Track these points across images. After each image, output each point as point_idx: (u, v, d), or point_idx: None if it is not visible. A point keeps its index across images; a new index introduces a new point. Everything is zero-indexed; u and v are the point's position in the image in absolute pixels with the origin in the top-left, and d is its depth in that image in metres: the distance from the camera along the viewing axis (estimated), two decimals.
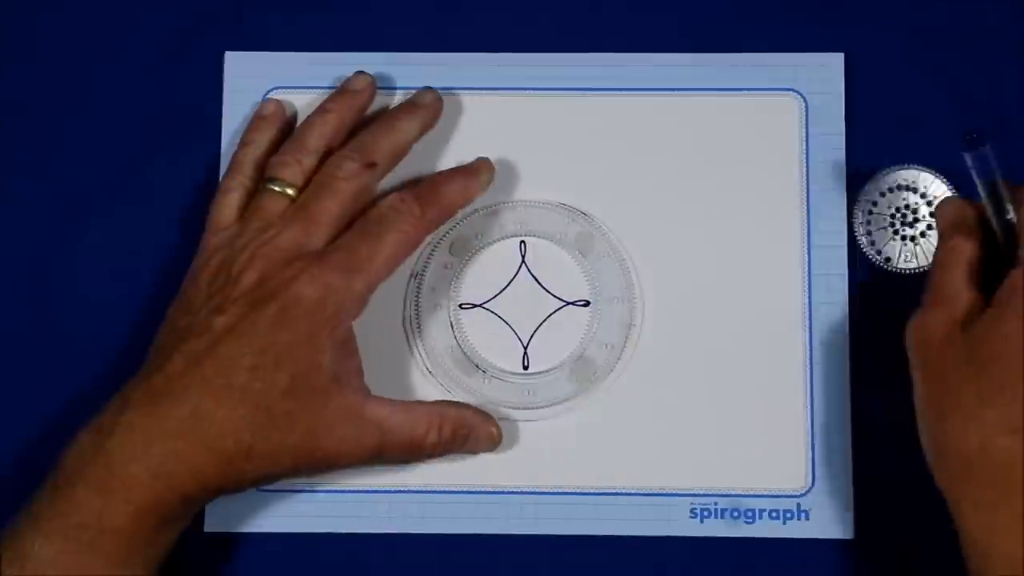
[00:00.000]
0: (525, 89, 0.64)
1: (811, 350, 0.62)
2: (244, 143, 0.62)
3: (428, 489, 0.61)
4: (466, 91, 0.64)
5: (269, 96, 0.64)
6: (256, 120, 0.62)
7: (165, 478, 0.54)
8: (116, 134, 0.64)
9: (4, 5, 0.65)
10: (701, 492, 0.61)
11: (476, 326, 0.62)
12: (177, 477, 0.54)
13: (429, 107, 0.62)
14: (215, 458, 0.54)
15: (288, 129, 0.63)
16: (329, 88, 0.64)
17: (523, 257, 0.63)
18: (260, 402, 0.54)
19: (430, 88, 0.63)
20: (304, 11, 0.65)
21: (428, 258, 0.62)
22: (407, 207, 0.59)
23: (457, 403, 0.61)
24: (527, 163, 0.63)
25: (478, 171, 0.62)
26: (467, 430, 0.59)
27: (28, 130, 0.64)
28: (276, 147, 0.61)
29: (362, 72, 0.63)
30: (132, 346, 0.62)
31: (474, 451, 0.60)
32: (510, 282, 0.63)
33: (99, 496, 0.53)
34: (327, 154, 0.60)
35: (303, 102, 0.64)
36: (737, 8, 0.64)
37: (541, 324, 0.62)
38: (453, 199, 0.60)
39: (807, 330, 0.62)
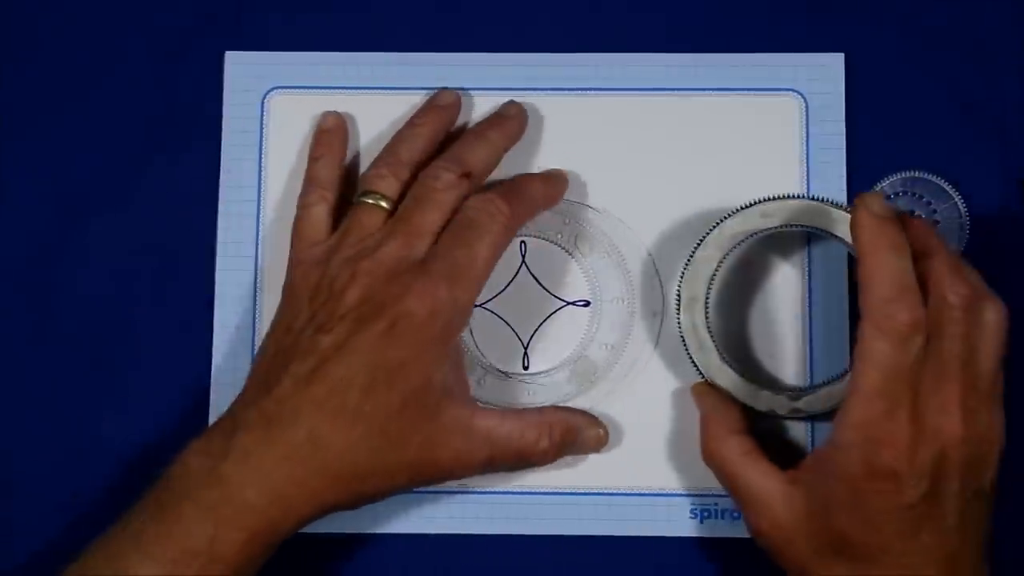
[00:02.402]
0: (525, 89, 0.64)
1: (811, 350, 0.62)
2: (314, 158, 0.62)
3: (428, 490, 0.61)
4: (467, 91, 0.64)
5: (267, 97, 0.64)
6: (320, 134, 0.62)
7: (281, 504, 0.53)
8: (116, 134, 0.64)
9: (4, 5, 0.65)
10: (701, 492, 0.61)
11: (476, 326, 0.62)
12: (294, 502, 0.53)
13: (516, 118, 0.62)
14: (332, 481, 0.54)
15: (347, 141, 0.63)
16: (329, 88, 0.64)
17: (523, 257, 0.63)
18: (374, 422, 0.54)
19: (514, 101, 0.63)
20: (304, 11, 0.65)
21: None
22: (495, 207, 0.58)
23: (563, 408, 0.61)
24: (527, 163, 0.63)
25: (558, 176, 0.62)
26: (575, 434, 0.59)
27: (28, 130, 0.64)
28: (344, 159, 0.62)
29: (448, 89, 0.63)
30: (132, 346, 0.62)
31: (581, 453, 0.60)
32: (510, 282, 0.63)
33: (211, 522, 0.52)
34: (419, 168, 0.59)
35: (306, 103, 0.64)
36: (737, 8, 0.64)
37: (541, 324, 0.62)
38: (538, 197, 0.60)
39: (807, 329, 0.62)
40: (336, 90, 0.64)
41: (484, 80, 0.64)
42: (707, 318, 0.59)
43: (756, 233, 0.59)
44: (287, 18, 0.65)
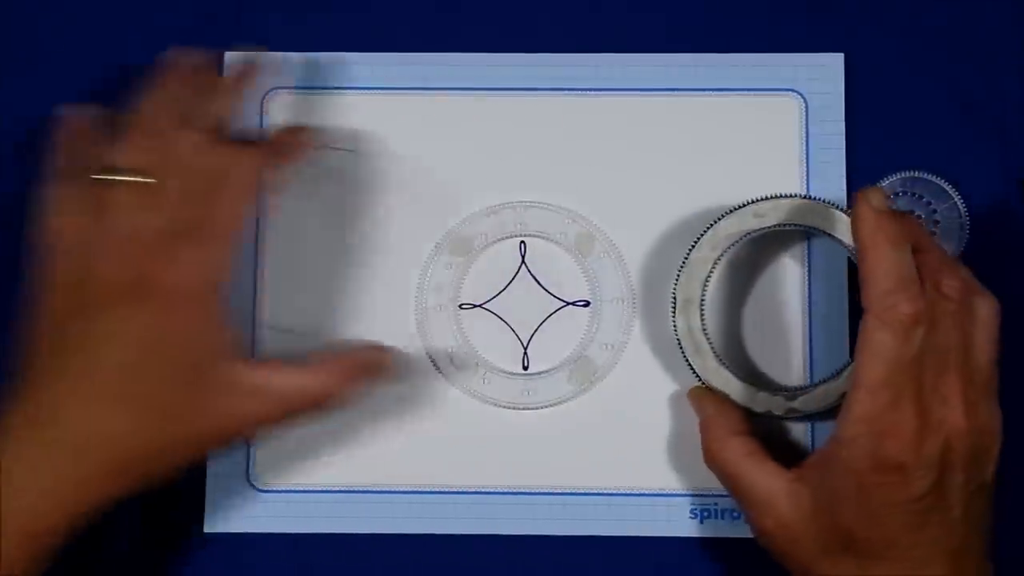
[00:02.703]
0: (525, 89, 0.64)
1: (811, 350, 0.62)
2: (58, 142, 0.58)
3: (428, 489, 0.61)
4: (466, 91, 0.64)
5: (267, 97, 0.64)
6: (66, 120, 0.58)
7: (59, 504, 0.51)
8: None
9: (4, 5, 0.65)
10: (701, 492, 0.61)
11: (476, 326, 0.62)
12: (72, 499, 0.52)
13: (247, 69, 0.60)
14: (110, 471, 0.52)
15: (105, 123, 0.59)
16: (330, 88, 0.64)
17: (523, 257, 0.63)
18: (142, 403, 0.52)
19: (238, 54, 0.61)
20: (304, 11, 0.65)
21: (428, 258, 0.62)
22: (233, 160, 0.56)
23: (344, 349, 0.58)
24: (527, 163, 0.63)
25: (298, 126, 0.61)
26: (363, 370, 0.57)
27: (28, 130, 0.64)
28: (93, 140, 0.58)
29: (183, 47, 0.59)
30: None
31: (380, 381, 0.58)
32: (510, 282, 0.63)
33: None
34: (160, 133, 0.57)
35: (306, 103, 0.64)
36: (737, 8, 0.64)
37: (541, 324, 0.62)
38: (280, 142, 0.59)
39: (807, 330, 0.62)
40: (336, 90, 0.64)
41: (484, 80, 0.64)
42: (703, 320, 0.59)
43: (750, 233, 0.59)
44: (287, 18, 0.65)
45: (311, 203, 0.63)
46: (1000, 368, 0.54)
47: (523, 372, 0.62)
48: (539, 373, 0.62)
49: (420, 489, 0.61)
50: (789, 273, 0.62)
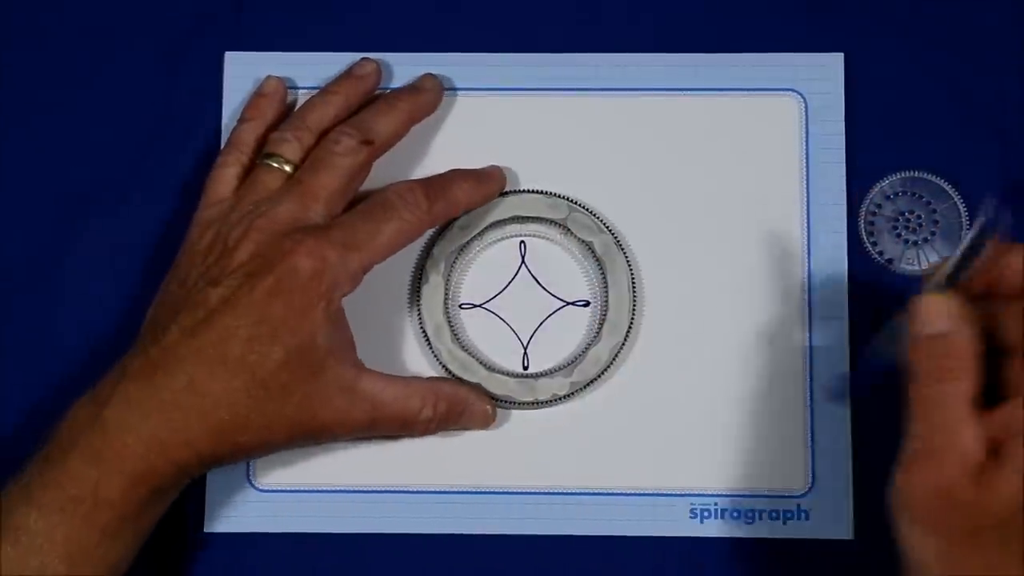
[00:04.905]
0: (525, 89, 0.64)
1: (811, 350, 0.62)
2: (243, 119, 0.62)
3: (428, 489, 0.61)
4: (466, 91, 0.64)
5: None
6: (256, 98, 0.62)
7: (159, 448, 0.54)
8: (116, 134, 0.64)
9: (4, 5, 0.65)
10: (701, 492, 0.61)
11: (476, 326, 0.62)
12: (171, 447, 0.54)
13: (430, 92, 0.63)
14: (209, 429, 0.54)
15: (287, 108, 0.63)
16: None
17: (523, 257, 0.63)
18: (255, 374, 0.54)
19: (431, 75, 0.63)
20: (304, 11, 0.65)
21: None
22: (413, 197, 0.58)
23: (451, 380, 0.61)
24: (527, 163, 0.63)
25: (489, 177, 0.62)
26: (461, 407, 0.60)
27: (28, 130, 0.64)
28: (274, 125, 0.62)
29: (368, 58, 0.63)
30: (132, 345, 0.62)
31: (467, 428, 0.61)
32: (510, 282, 0.63)
33: (94, 467, 0.53)
34: (326, 134, 0.60)
35: (299, 102, 0.64)
36: (737, 8, 0.64)
37: (541, 324, 0.62)
38: (460, 197, 0.60)
39: (807, 330, 0.62)
40: None
41: (484, 80, 0.64)
42: (458, 339, 0.61)
43: (465, 245, 0.61)
44: (287, 18, 0.65)
45: None
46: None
47: (523, 372, 0.62)
48: (539, 373, 0.62)
49: (420, 489, 0.61)
50: (789, 273, 0.62)
